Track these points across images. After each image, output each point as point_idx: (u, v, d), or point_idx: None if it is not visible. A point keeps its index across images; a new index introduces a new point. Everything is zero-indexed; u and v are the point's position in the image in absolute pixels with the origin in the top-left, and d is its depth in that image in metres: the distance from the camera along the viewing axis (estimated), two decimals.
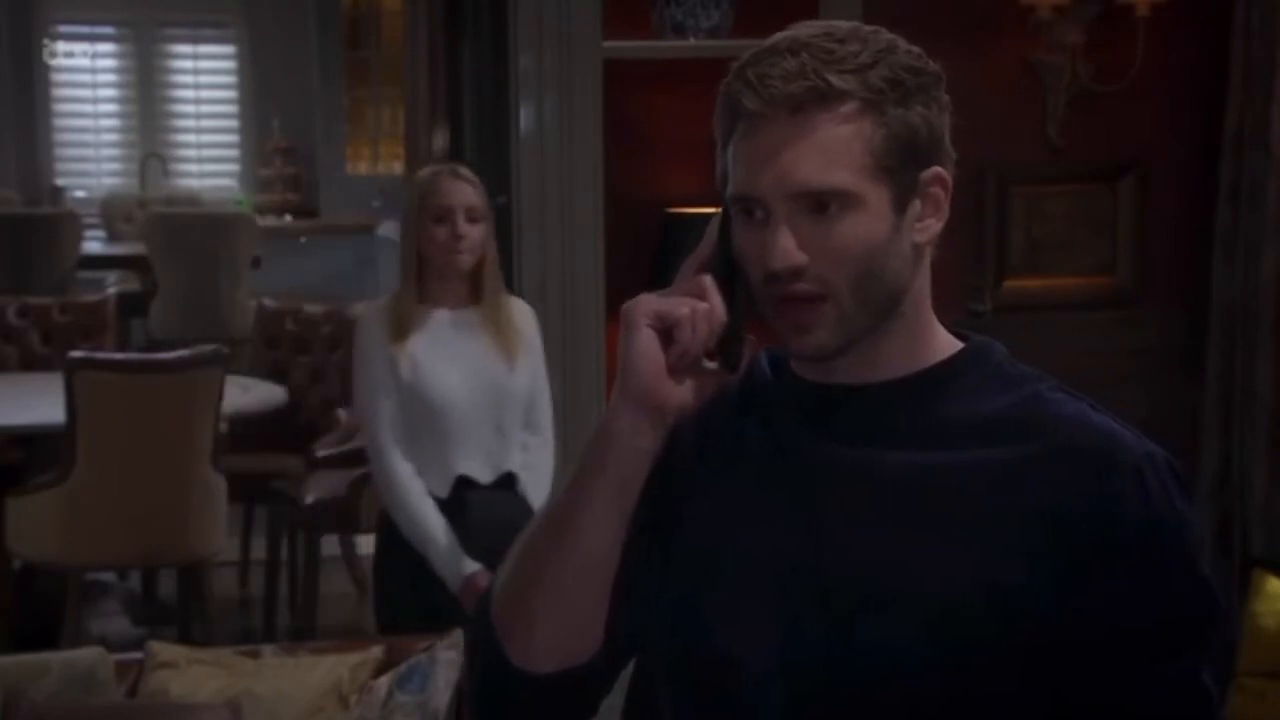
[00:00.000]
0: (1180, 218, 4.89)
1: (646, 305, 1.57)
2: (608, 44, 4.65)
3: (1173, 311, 4.86)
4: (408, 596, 3.97)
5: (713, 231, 1.61)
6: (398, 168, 10.08)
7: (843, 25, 1.58)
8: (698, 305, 1.56)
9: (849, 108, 1.53)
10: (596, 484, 1.60)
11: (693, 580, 1.63)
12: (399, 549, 3.92)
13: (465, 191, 3.91)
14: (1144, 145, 4.85)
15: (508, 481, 3.97)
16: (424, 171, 4.09)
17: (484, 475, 3.95)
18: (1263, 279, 4.63)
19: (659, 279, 4.77)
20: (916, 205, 1.57)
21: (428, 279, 3.94)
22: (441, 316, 3.95)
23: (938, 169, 1.58)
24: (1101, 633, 1.53)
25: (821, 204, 1.54)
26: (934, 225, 1.59)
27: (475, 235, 3.90)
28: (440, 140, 6.18)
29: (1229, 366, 4.72)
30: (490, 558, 3.74)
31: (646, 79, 4.79)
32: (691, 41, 4.67)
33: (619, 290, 4.71)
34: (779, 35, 1.57)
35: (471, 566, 3.85)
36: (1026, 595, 1.52)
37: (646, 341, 1.57)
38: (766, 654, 1.57)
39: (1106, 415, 1.59)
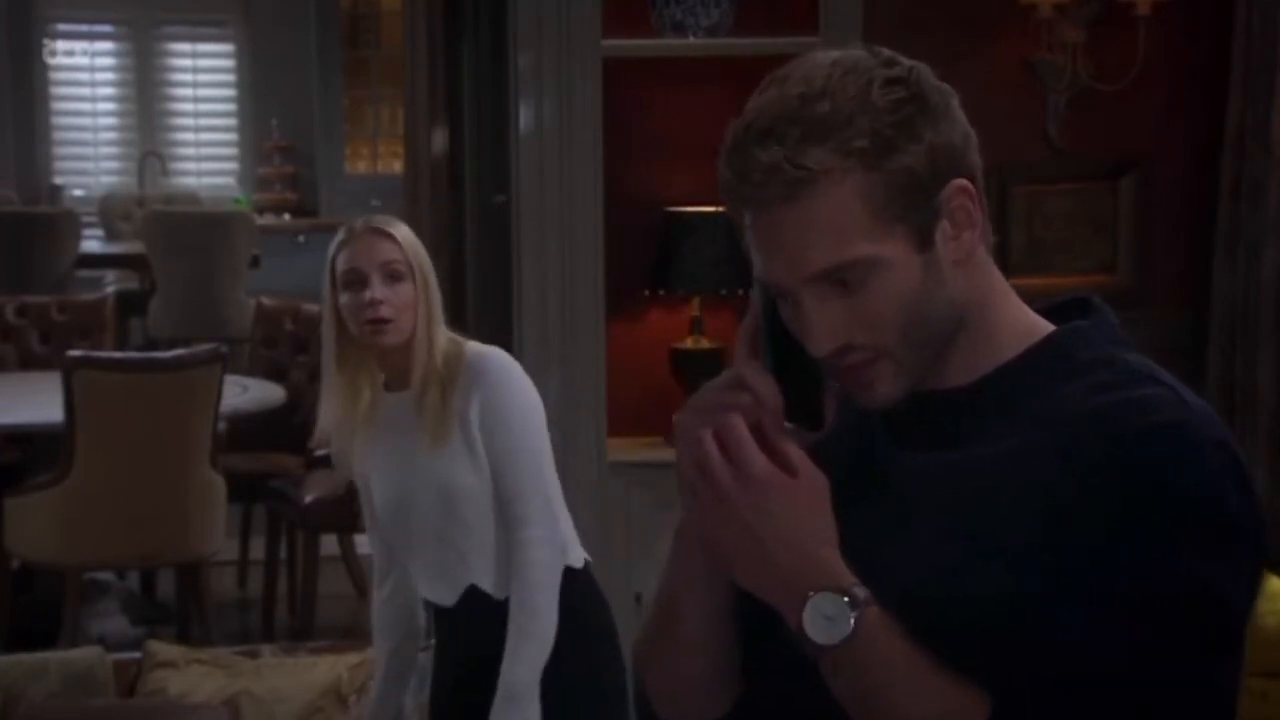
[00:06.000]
0: (1181, 217, 4.88)
1: (693, 421, 1.53)
2: (607, 43, 4.64)
3: (1173, 311, 4.85)
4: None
5: (756, 302, 1.57)
6: (397, 167, 10.07)
7: (816, 75, 1.50)
8: (739, 401, 1.52)
9: (835, 179, 1.48)
10: (690, 572, 1.60)
11: None
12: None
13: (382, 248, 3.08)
14: (1144, 144, 4.85)
15: (482, 601, 3.13)
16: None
17: (445, 598, 3.18)
18: (1263, 278, 4.62)
19: (659, 279, 4.79)
20: (945, 226, 1.54)
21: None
22: (381, 403, 3.18)
23: (956, 183, 1.55)
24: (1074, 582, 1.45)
25: (842, 278, 1.50)
26: (968, 236, 1.56)
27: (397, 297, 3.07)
28: (440, 140, 6.17)
29: (1229, 366, 4.71)
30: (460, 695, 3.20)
31: (646, 78, 4.78)
32: (691, 40, 4.67)
33: (619, 289, 4.70)
34: (750, 111, 1.51)
35: None
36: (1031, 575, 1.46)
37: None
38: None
39: (1172, 390, 1.51)
